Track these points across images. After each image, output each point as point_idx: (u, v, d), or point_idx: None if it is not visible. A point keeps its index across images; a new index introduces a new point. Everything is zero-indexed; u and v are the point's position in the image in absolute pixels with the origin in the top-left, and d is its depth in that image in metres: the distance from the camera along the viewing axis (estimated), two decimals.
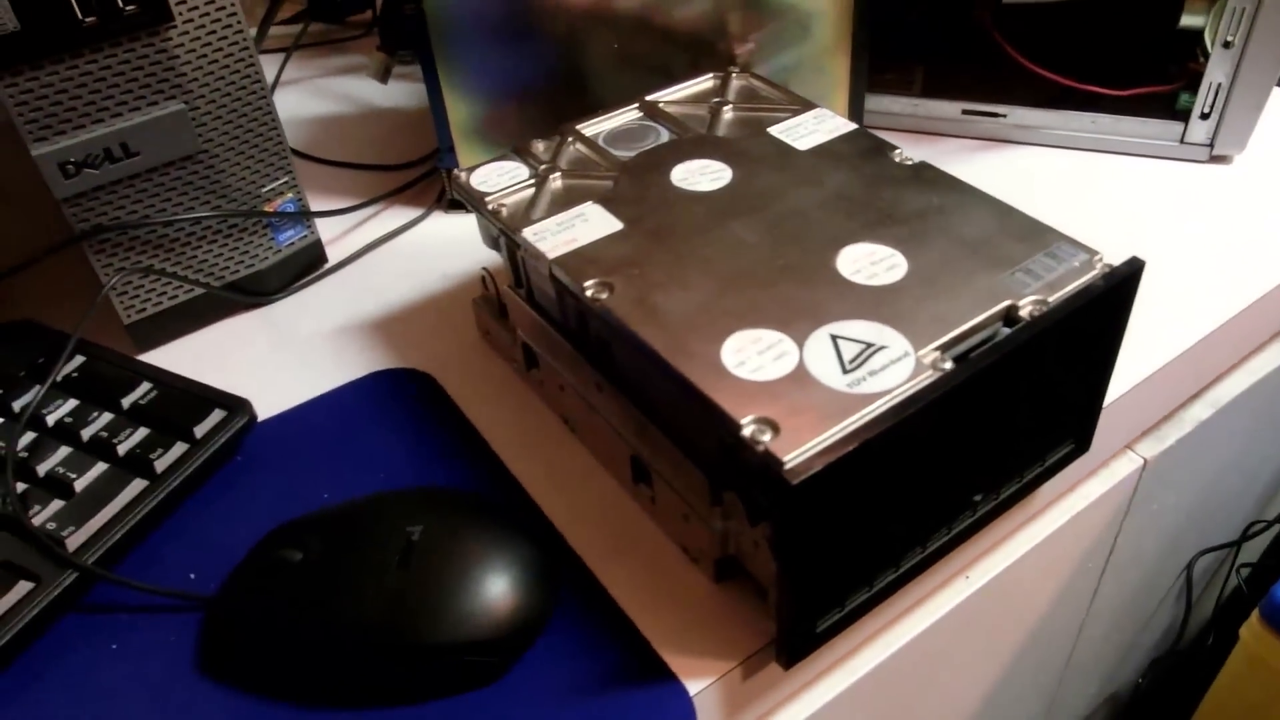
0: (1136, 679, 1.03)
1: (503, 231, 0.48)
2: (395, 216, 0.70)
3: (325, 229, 0.66)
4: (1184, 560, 0.89)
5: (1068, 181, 0.69)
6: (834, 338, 0.40)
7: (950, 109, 0.72)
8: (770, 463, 0.35)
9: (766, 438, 0.36)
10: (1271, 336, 0.69)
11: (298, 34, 0.87)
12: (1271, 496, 0.97)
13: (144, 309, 0.58)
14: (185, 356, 0.59)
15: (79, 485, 0.48)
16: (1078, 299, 0.41)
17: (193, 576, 0.47)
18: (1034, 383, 0.43)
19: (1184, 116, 0.68)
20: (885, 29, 0.66)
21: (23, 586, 0.44)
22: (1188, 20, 0.67)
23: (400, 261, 0.66)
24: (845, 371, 0.38)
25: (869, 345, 0.39)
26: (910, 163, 0.50)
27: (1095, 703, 0.99)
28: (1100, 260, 0.43)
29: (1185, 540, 0.85)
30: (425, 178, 0.72)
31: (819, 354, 0.39)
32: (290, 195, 0.61)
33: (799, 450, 0.35)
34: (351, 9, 0.85)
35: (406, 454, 0.52)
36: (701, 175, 0.50)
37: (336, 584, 0.42)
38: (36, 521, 0.46)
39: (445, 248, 0.67)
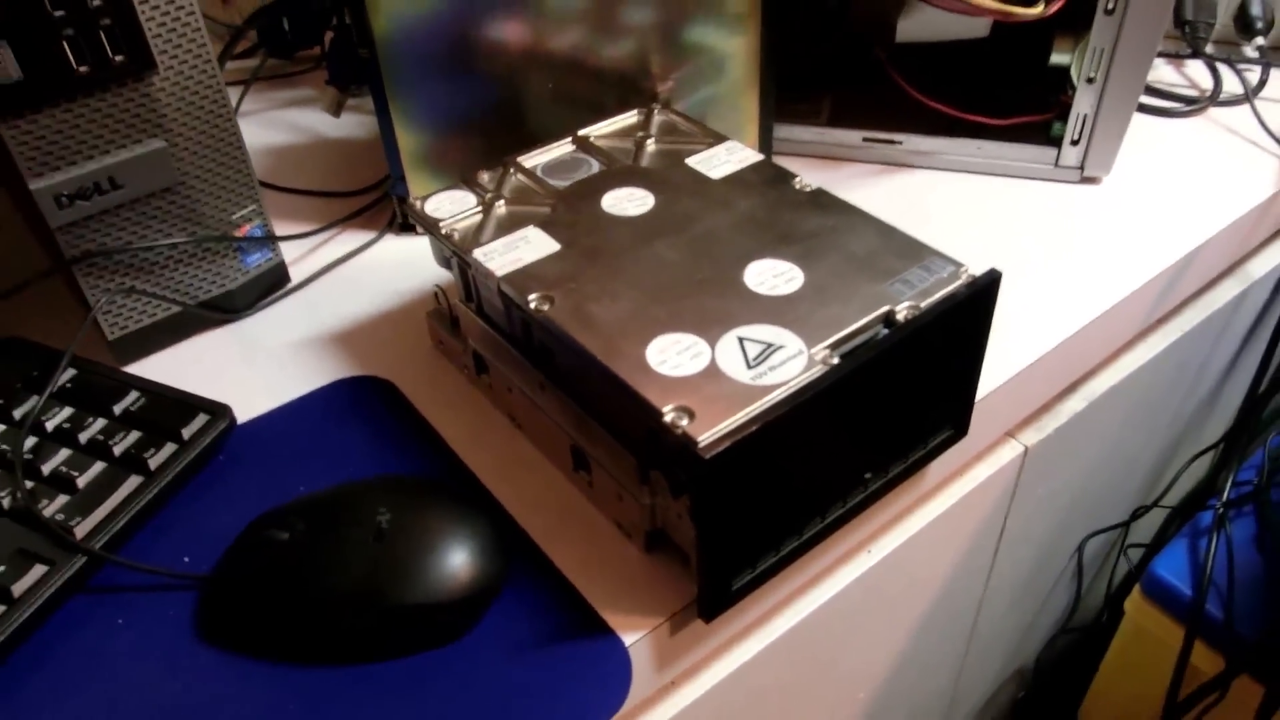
0: (1037, 655, 1.11)
1: (455, 253, 0.55)
2: (351, 239, 0.76)
3: (288, 251, 0.73)
4: (1075, 541, 0.97)
5: (957, 201, 0.77)
6: (740, 339, 0.47)
7: (853, 137, 0.80)
8: (688, 442, 0.42)
9: (684, 422, 0.43)
10: (1137, 336, 0.78)
11: (254, 68, 0.93)
12: (1155, 481, 1.06)
13: (126, 326, 0.64)
14: (164, 368, 0.65)
15: (81, 482, 0.54)
16: (944, 303, 0.49)
17: (187, 560, 0.53)
18: (911, 375, 0.50)
19: (1057, 143, 0.76)
20: (797, 63, 0.74)
21: (38, 570, 0.50)
22: (1057, 58, 0.76)
23: (357, 280, 0.72)
24: (750, 367, 0.46)
25: (770, 345, 0.47)
26: (808, 189, 0.57)
27: (1001, 677, 1.07)
28: (965, 271, 0.50)
29: (1074, 522, 0.93)
30: (378, 203, 0.79)
31: (728, 353, 0.46)
32: (258, 221, 0.67)
33: (711, 432, 0.42)
34: (301, 45, 0.90)
35: (372, 451, 0.58)
36: (628, 202, 0.57)
37: (320, 558, 0.48)
38: (45, 514, 0.52)
39: (397, 267, 0.73)
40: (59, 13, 0.53)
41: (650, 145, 0.62)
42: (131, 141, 0.59)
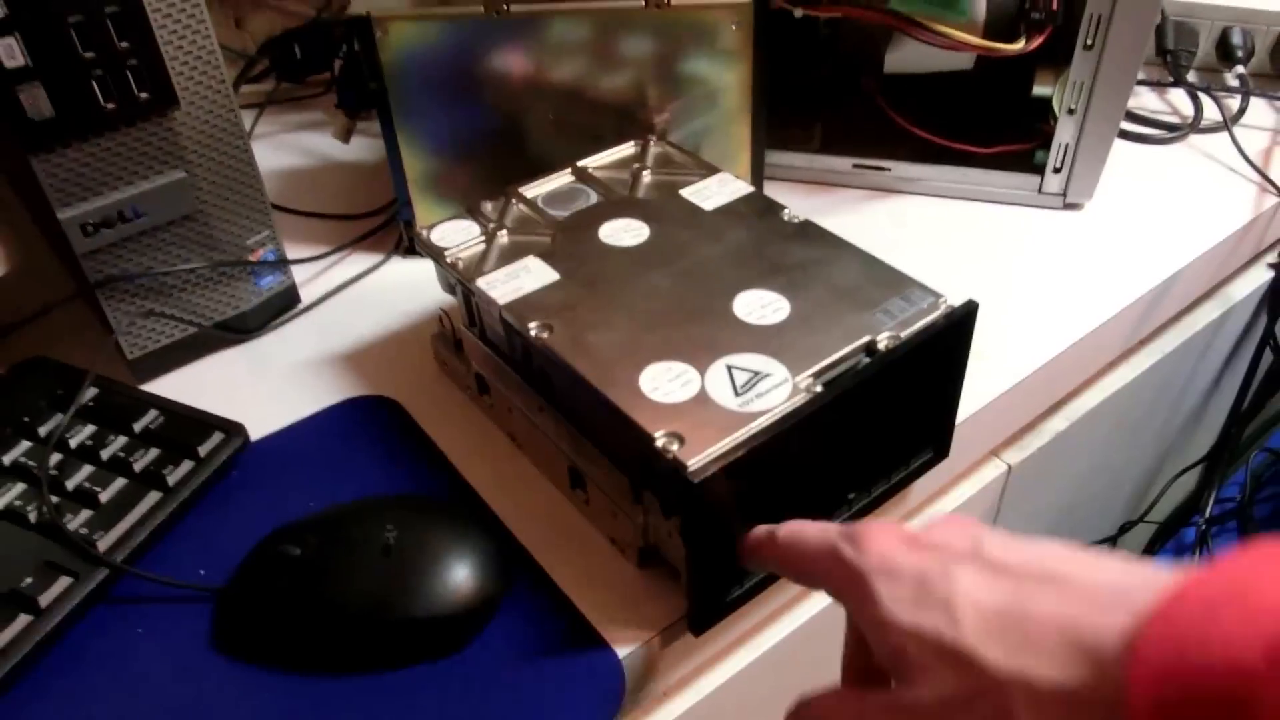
0: None
1: (460, 281, 0.58)
2: (359, 261, 0.79)
3: (299, 272, 0.75)
4: None
5: (943, 226, 0.80)
6: (729, 367, 0.50)
7: (843, 163, 0.83)
8: (678, 467, 0.45)
9: (675, 447, 0.46)
10: (1118, 357, 0.80)
11: (268, 93, 0.96)
12: (1141, 497, 1.08)
13: (145, 346, 0.67)
14: (180, 386, 0.67)
15: (103, 497, 0.57)
16: (923, 333, 0.51)
17: (202, 572, 0.56)
18: (892, 401, 0.53)
19: (1040, 170, 0.79)
20: (790, 90, 0.77)
21: (63, 581, 0.53)
22: (1039, 90, 0.79)
23: (364, 301, 0.75)
24: (737, 394, 0.48)
25: (756, 373, 0.49)
26: (796, 221, 0.60)
27: None
28: (944, 302, 0.53)
29: (1061, 537, 0.95)
30: (384, 227, 0.82)
31: (717, 381, 0.49)
32: (271, 246, 0.70)
33: (700, 456, 0.45)
34: (311, 70, 0.93)
35: (379, 468, 0.61)
36: (624, 233, 0.60)
37: (331, 573, 0.51)
38: (70, 528, 0.55)
39: (403, 289, 0.76)
40: (89, 54, 0.56)
41: (646, 177, 0.65)
42: (154, 173, 0.62)
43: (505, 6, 0.66)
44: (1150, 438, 0.98)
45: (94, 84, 0.57)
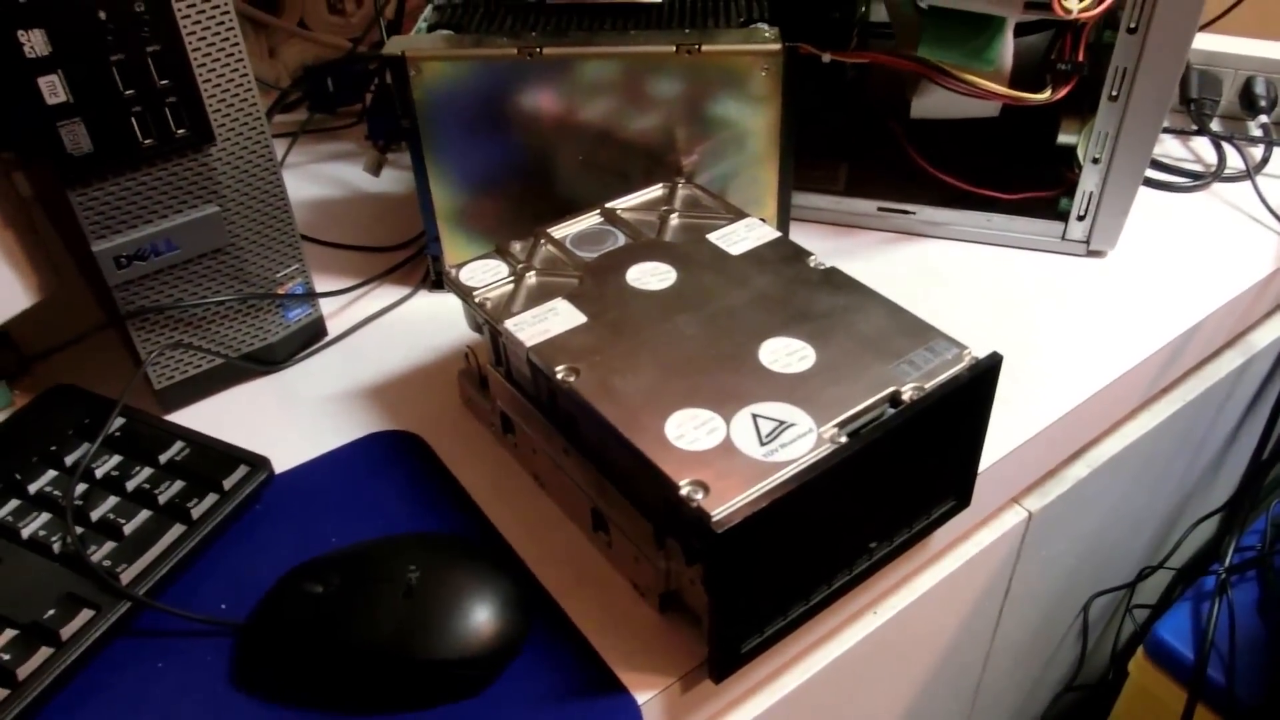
0: (1043, 712, 1.13)
1: (487, 321, 0.58)
2: (386, 294, 0.79)
3: (326, 304, 0.76)
4: (1080, 601, 0.99)
5: (967, 270, 0.80)
6: (754, 416, 0.50)
7: (868, 206, 0.83)
8: (702, 516, 0.45)
9: (699, 496, 0.46)
10: (1140, 405, 0.80)
11: (302, 121, 0.97)
12: (1161, 543, 1.08)
13: (172, 376, 0.67)
14: (206, 417, 0.68)
15: (127, 529, 0.57)
16: (948, 386, 0.51)
17: (224, 606, 0.56)
18: (915, 451, 0.53)
19: (1064, 217, 0.79)
20: (816, 133, 0.77)
21: (85, 614, 0.53)
22: (1064, 138, 0.79)
23: (391, 334, 0.75)
24: (762, 444, 0.49)
25: (782, 423, 0.50)
26: (822, 268, 0.60)
27: None
28: (968, 353, 0.53)
29: (1080, 582, 0.96)
30: (412, 259, 0.82)
31: (742, 430, 0.49)
32: (300, 280, 0.70)
33: (725, 506, 0.45)
34: (343, 101, 0.94)
35: (402, 504, 0.61)
36: (652, 276, 0.60)
37: (352, 612, 0.51)
38: (94, 560, 0.55)
39: (430, 323, 0.76)
40: (129, 91, 0.57)
41: (674, 220, 0.65)
42: (188, 207, 0.63)
43: (538, 49, 0.67)
44: (1170, 485, 0.98)
45: (133, 121, 0.58)
